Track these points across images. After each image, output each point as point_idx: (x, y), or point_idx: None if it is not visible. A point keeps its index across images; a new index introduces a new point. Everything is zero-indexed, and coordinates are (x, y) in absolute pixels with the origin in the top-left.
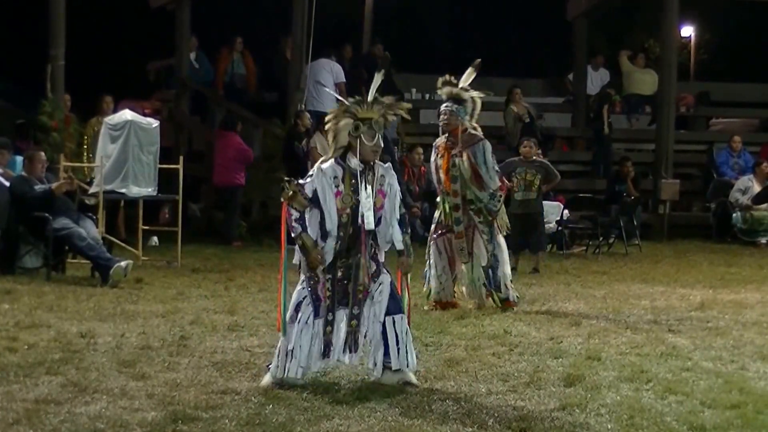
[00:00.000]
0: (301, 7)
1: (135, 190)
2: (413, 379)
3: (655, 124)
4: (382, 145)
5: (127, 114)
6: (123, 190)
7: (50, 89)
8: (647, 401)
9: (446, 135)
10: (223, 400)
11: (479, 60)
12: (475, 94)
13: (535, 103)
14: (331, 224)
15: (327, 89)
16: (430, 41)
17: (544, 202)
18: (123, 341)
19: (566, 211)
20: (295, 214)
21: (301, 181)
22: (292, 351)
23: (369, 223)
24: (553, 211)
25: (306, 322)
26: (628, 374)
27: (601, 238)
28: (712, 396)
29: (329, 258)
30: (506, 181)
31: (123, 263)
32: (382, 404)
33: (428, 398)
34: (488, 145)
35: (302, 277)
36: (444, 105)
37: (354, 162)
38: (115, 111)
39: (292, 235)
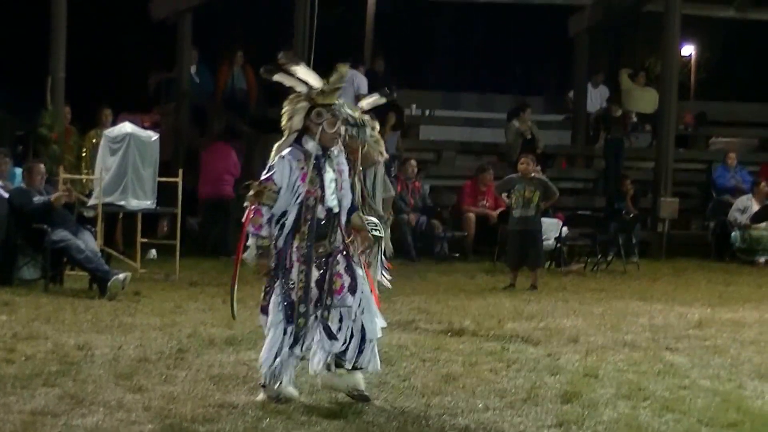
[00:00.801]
0: (303, 21)
1: (134, 203)
2: (363, 385)
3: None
4: (342, 133)
5: (126, 127)
6: (122, 203)
7: (50, 101)
8: (644, 419)
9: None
10: (220, 413)
11: (390, 89)
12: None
13: (536, 120)
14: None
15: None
16: (431, 57)
17: (543, 219)
18: (120, 353)
19: (565, 228)
20: (267, 215)
21: (264, 177)
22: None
23: (333, 204)
24: (552, 228)
25: (279, 330)
26: (625, 392)
27: (599, 256)
28: (709, 414)
29: (304, 251)
30: (504, 198)
31: (121, 276)
32: (379, 418)
33: (425, 413)
34: (381, 170)
35: (274, 281)
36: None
37: (311, 145)
38: (114, 123)
39: (260, 234)
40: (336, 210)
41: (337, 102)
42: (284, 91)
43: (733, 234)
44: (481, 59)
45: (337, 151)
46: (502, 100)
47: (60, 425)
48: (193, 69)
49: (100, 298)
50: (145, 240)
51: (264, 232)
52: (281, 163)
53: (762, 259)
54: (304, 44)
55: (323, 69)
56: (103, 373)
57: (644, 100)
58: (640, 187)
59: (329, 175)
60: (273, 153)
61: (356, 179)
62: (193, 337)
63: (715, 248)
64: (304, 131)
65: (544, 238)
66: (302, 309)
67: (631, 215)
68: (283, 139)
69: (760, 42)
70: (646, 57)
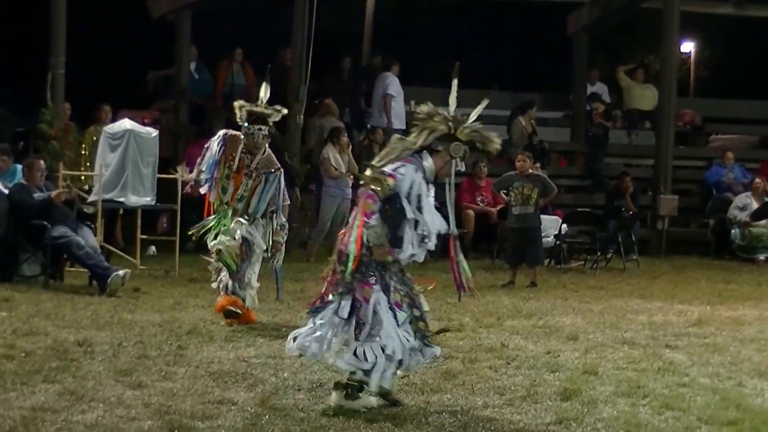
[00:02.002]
0: (301, 19)
1: (133, 200)
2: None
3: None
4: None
5: (126, 123)
6: (121, 199)
7: (50, 98)
8: (644, 417)
9: (245, 152)
10: (219, 410)
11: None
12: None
13: (536, 118)
14: (433, 224)
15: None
16: (430, 55)
17: (543, 217)
18: (120, 350)
19: (564, 226)
20: (377, 206)
21: (386, 169)
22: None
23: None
24: (552, 226)
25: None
26: (624, 389)
27: (599, 253)
28: (709, 412)
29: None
30: (503, 196)
31: (121, 272)
32: (378, 416)
33: (425, 411)
34: (281, 178)
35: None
36: (257, 128)
37: (428, 165)
38: (114, 120)
39: (370, 221)
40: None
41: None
42: (282, 89)
43: (732, 232)
44: (479, 56)
45: None
46: (500, 97)
47: (60, 421)
48: (192, 66)
49: (100, 294)
50: (144, 236)
51: (373, 221)
52: (412, 173)
53: (762, 257)
54: (303, 42)
55: (322, 65)
56: (102, 369)
57: (644, 97)
58: (640, 185)
59: (431, 199)
60: (394, 152)
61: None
62: (193, 334)
63: (715, 246)
64: (428, 150)
65: (543, 235)
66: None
67: (631, 213)
68: (409, 146)
69: (759, 39)
70: (645, 54)
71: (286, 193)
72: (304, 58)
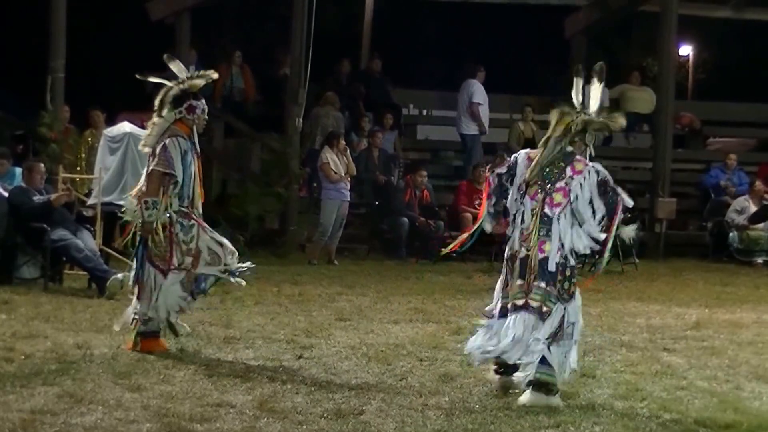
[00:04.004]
0: (300, 21)
1: None
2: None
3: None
4: None
5: (125, 126)
6: (121, 202)
7: (49, 101)
8: (642, 420)
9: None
10: (217, 412)
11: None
12: None
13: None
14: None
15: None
16: (428, 57)
17: None
18: (119, 353)
19: None
20: (494, 184)
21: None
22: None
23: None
24: None
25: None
26: (622, 392)
27: (596, 256)
28: (706, 415)
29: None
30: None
31: (120, 275)
32: (376, 419)
33: (423, 413)
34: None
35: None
36: (202, 103)
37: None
38: (113, 123)
39: (490, 201)
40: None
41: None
42: (281, 92)
43: (730, 235)
44: (477, 59)
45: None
46: (498, 100)
47: (59, 424)
48: (191, 69)
49: (99, 297)
50: None
51: (491, 202)
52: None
53: (759, 260)
54: (302, 44)
55: (320, 69)
56: (101, 372)
57: (641, 100)
58: (638, 188)
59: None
60: (551, 149)
61: None
62: (191, 337)
63: (713, 249)
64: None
65: None
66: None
67: (629, 215)
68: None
69: (757, 41)
70: (643, 57)
71: None
72: (303, 62)
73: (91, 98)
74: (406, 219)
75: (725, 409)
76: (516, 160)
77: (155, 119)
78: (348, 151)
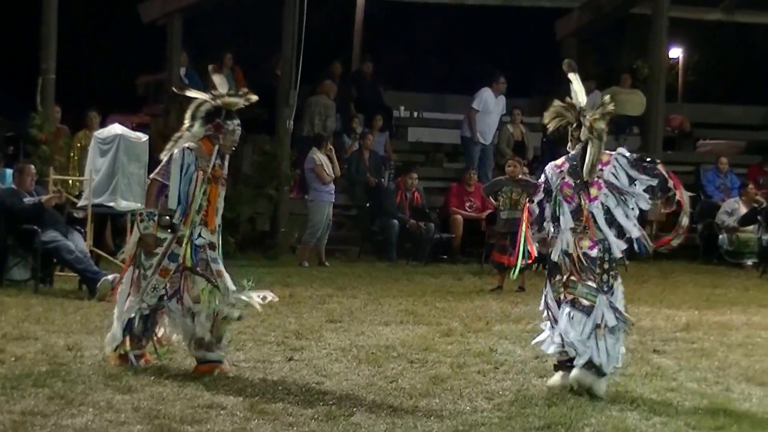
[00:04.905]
0: (291, 23)
1: (123, 204)
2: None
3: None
4: None
5: (116, 128)
6: (111, 204)
7: (40, 102)
8: (632, 422)
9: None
10: (208, 414)
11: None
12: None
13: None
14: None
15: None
16: (419, 59)
17: None
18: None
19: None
20: (535, 213)
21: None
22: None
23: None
24: None
25: None
26: (612, 394)
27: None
28: (696, 417)
29: None
30: (492, 201)
31: (110, 277)
32: (367, 420)
33: (413, 415)
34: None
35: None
36: (236, 123)
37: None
38: (104, 125)
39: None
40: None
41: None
42: (272, 93)
43: (720, 237)
44: (468, 61)
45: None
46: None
47: (50, 425)
48: (182, 71)
49: (90, 298)
50: None
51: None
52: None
53: (749, 262)
54: (293, 46)
55: (311, 71)
56: (92, 373)
57: (631, 102)
58: None
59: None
60: (598, 147)
61: None
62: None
63: (703, 251)
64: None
65: None
66: None
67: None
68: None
69: (747, 44)
70: (633, 60)
71: None
72: (294, 63)
73: (83, 100)
74: (396, 221)
75: (715, 411)
76: (546, 176)
77: (183, 132)
78: (333, 152)
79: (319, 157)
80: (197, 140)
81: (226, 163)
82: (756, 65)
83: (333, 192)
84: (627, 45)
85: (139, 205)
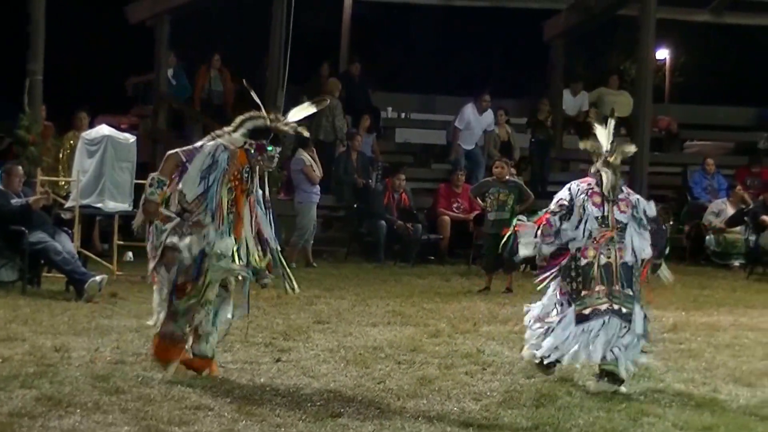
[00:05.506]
0: (279, 24)
1: (111, 205)
2: None
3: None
4: None
5: (104, 129)
6: (99, 205)
7: (27, 103)
8: (619, 422)
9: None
10: (196, 415)
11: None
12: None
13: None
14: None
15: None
16: (407, 60)
17: None
18: (97, 355)
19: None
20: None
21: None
22: None
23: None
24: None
25: None
26: (600, 395)
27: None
28: (684, 418)
29: None
30: (479, 202)
31: (98, 278)
32: (354, 421)
33: (401, 416)
34: None
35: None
36: (278, 150)
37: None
38: (92, 126)
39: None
40: None
41: None
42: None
43: (708, 238)
44: (456, 62)
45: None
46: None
47: (37, 427)
48: (170, 72)
49: (77, 300)
50: (122, 242)
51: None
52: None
53: (737, 263)
54: (280, 47)
55: (299, 72)
56: (80, 375)
57: (619, 103)
58: None
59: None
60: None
61: None
62: None
63: (690, 252)
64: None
65: None
66: None
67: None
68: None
69: (735, 46)
70: (621, 61)
71: None
72: (282, 64)
73: (71, 101)
74: (384, 222)
75: (702, 412)
76: (571, 193)
77: (224, 133)
78: (315, 152)
79: (306, 157)
80: (234, 147)
81: (257, 183)
82: (743, 66)
83: (319, 192)
84: (616, 46)
85: (126, 206)
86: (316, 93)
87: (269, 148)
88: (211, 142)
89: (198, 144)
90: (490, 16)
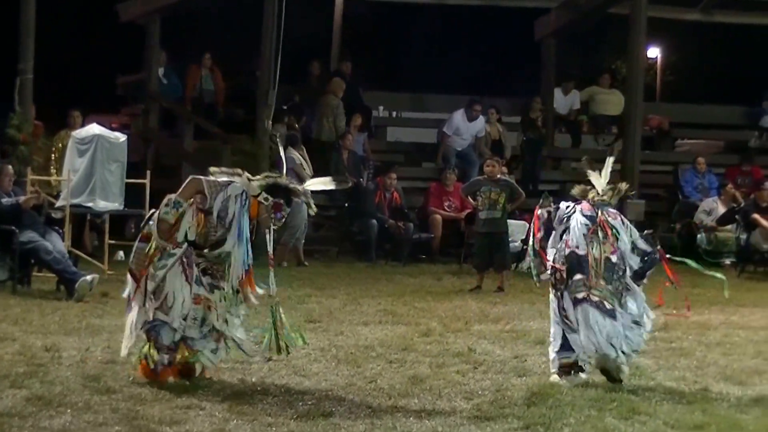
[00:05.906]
0: (270, 24)
1: (102, 204)
2: None
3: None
4: None
5: (94, 128)
6: (90, 204)
7: (18, 102)
8: (610, 421)
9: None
10: (187, 414)
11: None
12: None
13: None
14: None
15: None
16: (398, 59)
17: (510, 221)
18: (88, 355)
19: None
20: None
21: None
22: None
23: None
24: (519, 230)
25: None
26: (591, 394)
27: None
28: (675, 417)
29: None
30: (471, 201)
31: (89, 277)
32: (346, 421)
33: (392, 415)
34: None
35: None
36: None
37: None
38: (83, 125)
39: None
40: None
41: None
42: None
43: (699, 236)
44: (448, 61)
45: None
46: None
47: (27, 427)
48: (161, 71)
49: (68, 299)
50: (112, 241)
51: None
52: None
53: (728, 261)
54: (272, 46)
55: (291, 70)
56: (70, 374)
57: (610, 102)
58: None
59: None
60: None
61: None
62: None
63: (681, 250)
64: None
65: (510, 240)
66: None
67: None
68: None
69: (725, 44)
70: (612, 60)
71: None
72: (273, 63)
73: (62, 99)
74: (376, 221)
75: (693, 411)
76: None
77: (243, 174)
78: (305, 151)
79: (297, 156)
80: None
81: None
82: (734, 65)
83: None
84: (608, 45)
85: (117, 205)
86: (309, 92)
87: (285, 210)
88: (236, 184)
89: (223, 181)
90: (482, 14)
